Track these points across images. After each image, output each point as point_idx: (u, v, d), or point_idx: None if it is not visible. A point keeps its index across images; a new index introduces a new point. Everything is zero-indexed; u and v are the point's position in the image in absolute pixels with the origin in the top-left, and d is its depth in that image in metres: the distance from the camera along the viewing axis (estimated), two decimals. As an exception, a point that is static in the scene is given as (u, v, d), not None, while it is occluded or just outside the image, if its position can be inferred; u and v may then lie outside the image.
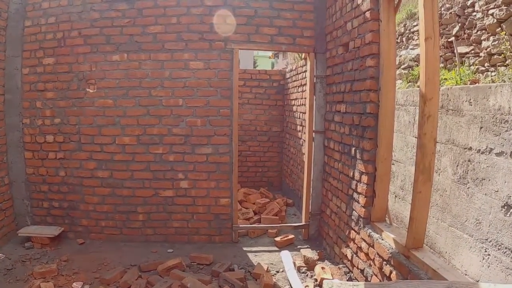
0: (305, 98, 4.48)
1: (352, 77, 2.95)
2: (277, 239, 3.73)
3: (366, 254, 2.66)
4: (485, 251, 2.43)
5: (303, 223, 3.85)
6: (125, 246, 3.56)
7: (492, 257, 2.33)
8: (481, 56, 3.06)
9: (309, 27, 3.59)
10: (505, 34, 2.75)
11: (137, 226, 3.65)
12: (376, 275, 2.50)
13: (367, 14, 2.61)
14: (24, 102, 3.58)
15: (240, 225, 3.80)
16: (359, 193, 2.81)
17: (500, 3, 2.83)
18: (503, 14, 2.77)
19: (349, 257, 2.95)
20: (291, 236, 3.77)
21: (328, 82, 3.60)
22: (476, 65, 3.10)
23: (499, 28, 2.83)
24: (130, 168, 3.61)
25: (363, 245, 2.71)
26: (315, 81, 3.65)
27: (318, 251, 3.40)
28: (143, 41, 3.48)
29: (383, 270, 2.39)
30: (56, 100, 3.57)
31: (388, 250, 2.35)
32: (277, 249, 3.65)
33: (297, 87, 4.94)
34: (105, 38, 3.49)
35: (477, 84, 3.02)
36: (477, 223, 2.49)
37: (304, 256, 3.21)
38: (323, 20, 3.59)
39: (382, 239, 2.48)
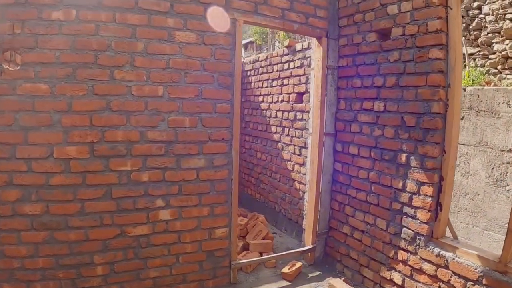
0: (290, 93, 4.21)
1: (398, 70, 2.84)
2: (285, 270, 3.33)
3: (433, 276, 2.59)
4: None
5: (310, 245, 3.56)
6: (75, 324, 2.47)
7: None
8: (491, 58, 3.47)
9: (322, 6, 3.31)
10: None
11: (95, 284, 2.60)
12: None
13: (435, -2, 2.52)
14: None
15: (240, 261, 3.20)
16: (416, 207, 2.72)
17: None
18: None
19: (398, 282, 2.84)
20: (299, 264, 3.43)
21: (341, 75, 3.41)
22: (486, 66, 3.49)
23: None
24: (79, 196, 2.52)
25: (426, 266, 2.63)
26: (326, 72, 3.39)
27: (342, 279, 3.19)
28: (105, -8, 2.48)
29: None
30: None
31: (475, 268, 2.33)
32: (288, 283, 3.25)
33: (272, 81, 4.57)
34: (37, -19, 2.32)
35: (490, 85, 3.39)
36: None
37: (340, 289, 2.94)
38: (336, 0, 3.37)
39: (459, 257, 2.44)
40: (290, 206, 4.26)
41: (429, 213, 2.65)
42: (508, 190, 2.85)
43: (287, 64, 4.25)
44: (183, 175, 2.85)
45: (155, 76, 2.69)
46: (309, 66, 3.88)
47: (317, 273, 3.44)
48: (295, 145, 4.14)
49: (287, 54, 4.25)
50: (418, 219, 2.72)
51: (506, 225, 2.74)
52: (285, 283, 3.26)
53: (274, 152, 4.52)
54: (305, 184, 4.00)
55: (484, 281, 2.27)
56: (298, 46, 4.06)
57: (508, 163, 2.86)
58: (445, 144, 2.59)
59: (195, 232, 2.94)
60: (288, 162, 4.26)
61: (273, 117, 4.54)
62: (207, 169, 2.93)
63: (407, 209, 2.80)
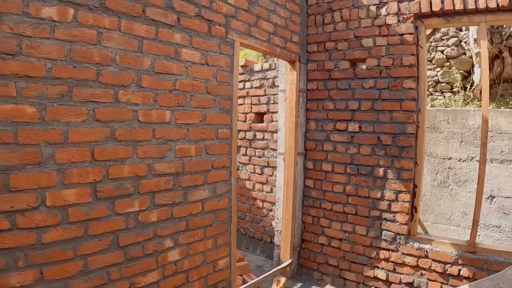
0: (247, 113, 4.11)
1: (373, 96, 3.14)
2: (275, 289, 3.20)
3: (415, 267, 2.97)
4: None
5: (289, 260, 3.51)
6: None
7: (483, 236, 3.33)
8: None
9: (296, 31, 3.37)
10: (456, 69, 3.99)
11: None
12: (434, 281, 2.88)
13: (408, 38, 2.92)
14: None
15: (240, 287, 2.91)
16: (395, 212, 3.06)
17: (450, 43, 4.04)
18: (454, 53, 3.98)
19: (382, 278, 3.13)
20: (283, 280, 3.31)
21: (310, 97, 3.53)
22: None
23: (448, 63, 4.04)
24: (81, 252, 1.85)
25: (408, 259, 3.00)
26: (300, 95, 3.45)
27: (328, 284, 3.28)
28: (112, -5, 1.91)
29: (447, 272, 2.82)
30: None
31: (450, 253, 2.81)
32: (281, 303, 3.13)
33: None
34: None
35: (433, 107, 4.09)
36: (463, 215, 3.43)
37: (337, 297, 3.03)
38: (304, 27, 3.49)
39: (436, 247, 2.88)
40: (251, 224, 4.11)
41: (407, 216, 3.01)
42: (451, 190, 3.51)
43: (242, 83, 4.12)
44: (190, 209, 2.42)
45: (162, 99, 2.21)
46: (271, 86, 3.87)
47: (299, 284, 3.43)
48: (254, 165, 4.04)
49: (241, 74, 4.12)
50: (397, 221, 3.05)
51: (452, 217, 3.37)
52: (278, 302, 3.13)
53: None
54: (269, 202, 3.94)
55: (459, 261, 2.76)
56: (257, 67, 4.00)
57: (449, 168, 3.52)
58: (417, 158, 3.00)
59: (201, 268, 2.54)
60: (247, 182, 4.12)
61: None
62: (211, 199, 2.58)
63: (386, 215, 3.10)
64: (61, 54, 1.75)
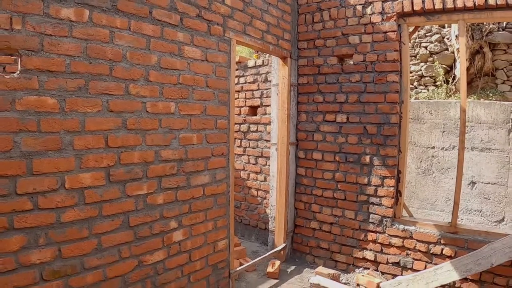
0: (241, 107, 4.29)
1: (360, 89, 3.36)
2: (271, 270, 3.46)
3: (401, 247, 3.20)
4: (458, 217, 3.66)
5: (283, 244, 3.73)
6: None
7: (466, 219, 3.59)
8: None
9: (288, 29, 3.57)
10: (438, 64, 4.24)
11: (119, 331, 2.11)
12: (419, 260, 3.11)
13: (392, 35, 3.15)
14: None
15: (237, 268, 3.13)
16: (381, 197, 3.29)
17: (434, 40, 4.29)
18: (437, 48, 4.22)
19: (371, 258, 3.35)
20: (278, 263, 3.58)
21: (301, 91, 3.74)
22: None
23: (431, 58, 4.29)
24: (95, 231, 2.03)
25: (394, 240, 3.23)
26: (291, 89, 3.66)
27: (320, 266, 3.51)
28: (122, -4, 2.09)
29: (430, 252, 3.05)
30: None
31: (433, 234, 3.04)
32: (277, 280, 3.40)
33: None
34: (47, -29, 1.77)
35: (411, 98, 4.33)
36: (446, 200, 3.68)
37: (329, 274, 3.29)
38: (295, 25, 3.69)
39: (420, 228, 3.12)
40: (246, 212, 4.32)
41: (392, 200, 3.25)
42: (434, 177, 3.76)
43: (236, 79, 4.30)
44: (192, 193, 2.62)
45: (167, 92, 2.40)
46: (264, 81, 4.07)
47: (293, 267, 3.65)
48: (249, 155, 4.24)
49: (236, 70, 4.30)
50: (383, 205, 3.28)
51: (436, 203, 3.61)
52: (275, 281, 3.36)
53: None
54: (264, 191, 4.15)
55: (442, 241, 3.00)
56: (251, 63, 4.19)
57: (432, 156, 3.76)
58: (400, 146, 3.24)
59: (202, 249, 2.74)
60: (242, 172, 4.32)
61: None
62: (211, 184, 2.78)
63: (373, 199, 3.34)
64: (78, 51, 1.92)
